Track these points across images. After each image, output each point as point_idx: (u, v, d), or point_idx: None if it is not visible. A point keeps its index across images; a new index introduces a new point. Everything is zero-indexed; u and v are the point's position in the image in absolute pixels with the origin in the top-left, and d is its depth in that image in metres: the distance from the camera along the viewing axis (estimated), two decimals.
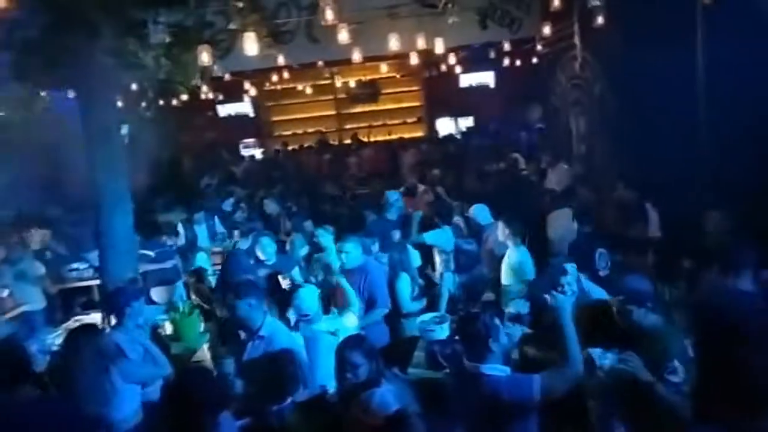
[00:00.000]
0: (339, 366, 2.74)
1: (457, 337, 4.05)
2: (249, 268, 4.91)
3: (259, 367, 3.15)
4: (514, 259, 5.02)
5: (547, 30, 8.09)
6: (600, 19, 6.49)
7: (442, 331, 4.05)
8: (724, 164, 5.67)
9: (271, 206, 7.55)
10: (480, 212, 6.03)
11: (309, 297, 3.79)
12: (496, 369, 2.59)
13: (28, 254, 6.21)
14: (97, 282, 5.98)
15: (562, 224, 5.80)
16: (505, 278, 5.01)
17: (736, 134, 5.26)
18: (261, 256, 5.26)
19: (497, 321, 2.70)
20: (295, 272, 5.21)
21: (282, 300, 4.77)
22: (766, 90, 4.65)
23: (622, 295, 3.27)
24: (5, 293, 5.35)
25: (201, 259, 6.25)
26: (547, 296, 3.34)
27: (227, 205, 8.51)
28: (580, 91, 8.45)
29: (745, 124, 5.07)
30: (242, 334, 3.42)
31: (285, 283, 5.06)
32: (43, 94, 7.88)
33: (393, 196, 6.54)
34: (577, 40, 8.09)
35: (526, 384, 2.52)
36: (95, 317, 5.54)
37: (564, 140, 9.38)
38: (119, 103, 6.77)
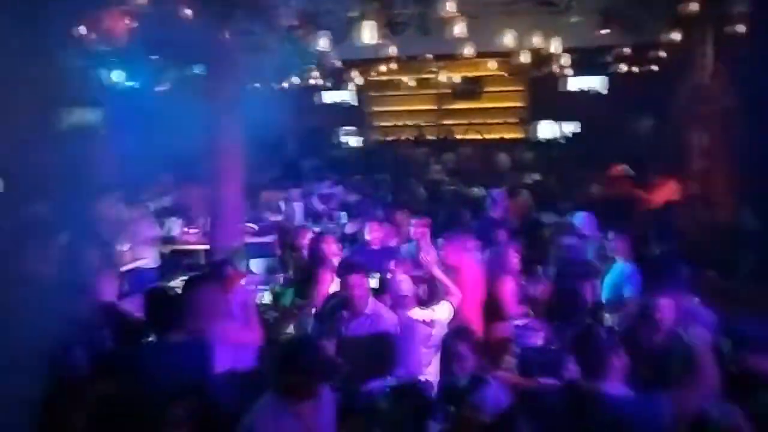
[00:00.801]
0: (445, 357, 2.75)
1: (552, 347, 3.95)
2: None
3: (363, 345, 3.22)
4: (617, 276, 4.81)
5: (675, 35, 7.59)
6: (740, 28, 6.00)
7: (537, 338, 3.95)
8: None
9: (363, 194, 7.68)
10: (582, 221, 5.82)
11: (405, 280, 3.85)
12: (617, 388, 2.46)
13: (148, 215, 6.78)
14: (206, 247, 6.38)
15: None
16: (606, 293, 4.81)
17: None
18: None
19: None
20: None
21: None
22: None
23: (733, 338, 3.00)
24: (126, 247, 5.85)
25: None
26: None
27: (324, 187, 8.75)
28: (705, 104, 7.83)
29: None
30: (344, 313, 3.50)
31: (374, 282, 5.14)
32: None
33: (499, 194, 6.42)
34: (708, 48, 7.49)
35: (656, 405, 2.39)
36: None
37: (679, 155, 8.76)
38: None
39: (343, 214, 6.42)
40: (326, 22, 6.25)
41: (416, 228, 5.66)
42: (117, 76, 8.35)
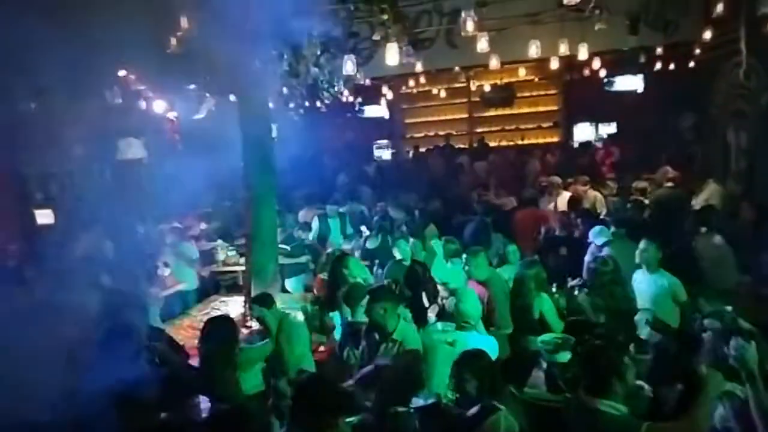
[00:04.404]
0: (454, 379, 2.83)
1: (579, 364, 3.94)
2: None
3: (389, 369, 3.33)
4: (643, 285, 4.74)
5: (707, 34, 7.42)
6: None
7: (564, 354, 3.95)
8: None
9: (395, 211, 7.74)
10: (596, 232, 5.75)
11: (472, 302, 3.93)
12: (612, 407, 2.51)
13: (186, 239, 7.07)
14: (242, 268, 6.63)
15: (708, 251, 5.34)
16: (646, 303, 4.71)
17: None
18: (398, 256, 5.49)
19: (627, 359, 2.59)
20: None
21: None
22: None
23: None
24: (167, 272, 6.15)
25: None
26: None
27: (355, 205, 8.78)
28: (743, 101, 7.61)
29: None
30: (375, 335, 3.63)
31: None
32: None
33: None
34: (743, 45, 7.29)
35: (633, 429, 2.41)
36: (238, 300, 6.19)
37: (720, 154, 8.51)
38: (271, 105, 7.41)
39: (365, 230, 6.45)
40: (351, 45, 6.42)
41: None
42: (158, 107, 8.74)
